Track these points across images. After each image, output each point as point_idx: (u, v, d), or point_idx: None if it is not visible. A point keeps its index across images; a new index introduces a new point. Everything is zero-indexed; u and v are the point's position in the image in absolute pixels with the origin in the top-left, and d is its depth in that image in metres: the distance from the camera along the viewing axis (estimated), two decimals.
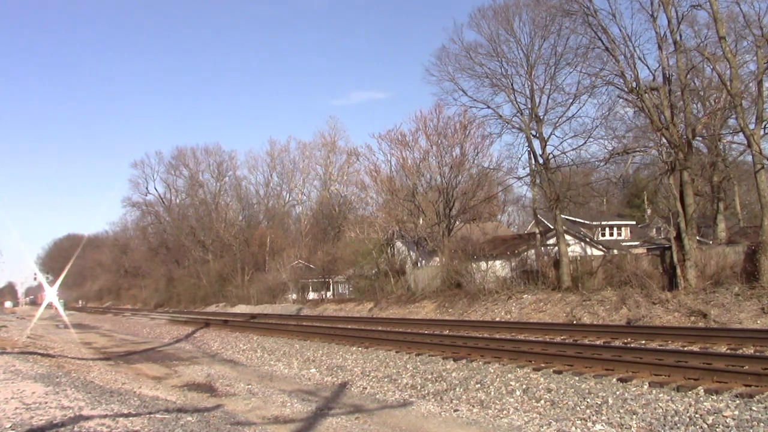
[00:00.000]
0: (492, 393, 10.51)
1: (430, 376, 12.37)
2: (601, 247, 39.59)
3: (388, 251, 43.59)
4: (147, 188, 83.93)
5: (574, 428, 8.28)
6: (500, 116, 32.33)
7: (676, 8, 24.32)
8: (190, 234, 76.21)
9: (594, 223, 47.34)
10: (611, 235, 50.45)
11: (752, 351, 12.78)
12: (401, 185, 41.36)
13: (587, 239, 40.61)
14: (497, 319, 26.02)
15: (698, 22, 26.08)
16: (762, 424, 7.40)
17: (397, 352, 15.72)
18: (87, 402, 9.38)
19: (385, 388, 12.04)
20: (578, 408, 9.06)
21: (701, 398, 8.65)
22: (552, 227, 34.45)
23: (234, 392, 12.38)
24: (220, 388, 12.87)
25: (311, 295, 52.00)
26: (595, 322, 21.79)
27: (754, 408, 7.95)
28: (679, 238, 24.26)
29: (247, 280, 62.32)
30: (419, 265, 41.14)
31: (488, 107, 32.63)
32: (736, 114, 23.37)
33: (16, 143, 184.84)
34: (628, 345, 15.13)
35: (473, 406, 10.03)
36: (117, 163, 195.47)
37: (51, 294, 74.86)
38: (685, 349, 13.50)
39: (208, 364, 17.40)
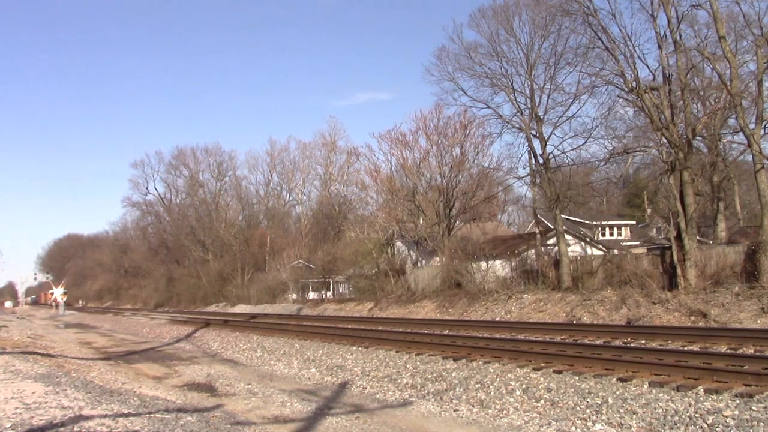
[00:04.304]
0: (492, 393, 10.51)
1: (430, 376, 12.37)
2: (601, 246, 39.56)
3: (388, 251, 43.55)
4: (147, 188, 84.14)
5: (574, 428, 8.28)
6: (500, 116, 32.36)
7: (676, 8, 24.33)
8: (190, 234, 76.15)
9: (594, 223, 47.27)
10: (611, 235, 50.39)
11: (752, 351, 12.78)
12: (401, 185, 41.34)
13: (587, 239, 40.58)
14: (497, 319, 26.01)
15: (698, 22, 26.12)
16: (762, 424, 7.40)
17: (397, 351, 15.73)
18: (87, 402, 9.37)
19: (385, 388, 12.04)
20: (578, 408, 9.06)
21: (701, 398, 8.65)
22: (552, 227, 34.44)
23: (234, 392, 12.38)
24: (220, 388, 12.87)
25: (311, 295, 51.95)
26: (595, 322, 21.78)
27: (754, 408, 7.94)
28: (679, 237, 24.25)
29: (247, 280, 62.27)
30: (419, 265, 41.13)
31: (488, 107, 32.66)
32: (736, 114, 23.35)
33: (17, 143, 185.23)
34: (628, 345, 15.12)
35: (473, 406, 10.03)
36: (117, 163, 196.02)
37: (58, 293, 75.88)
38: (685, 348, 13.50)
39: (208, 364, 17.40)
